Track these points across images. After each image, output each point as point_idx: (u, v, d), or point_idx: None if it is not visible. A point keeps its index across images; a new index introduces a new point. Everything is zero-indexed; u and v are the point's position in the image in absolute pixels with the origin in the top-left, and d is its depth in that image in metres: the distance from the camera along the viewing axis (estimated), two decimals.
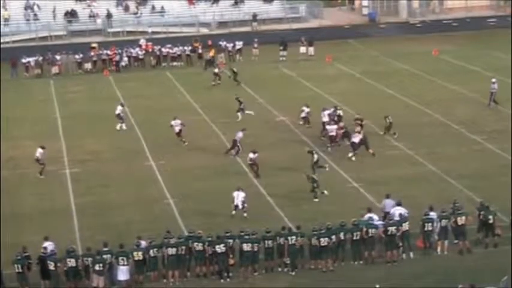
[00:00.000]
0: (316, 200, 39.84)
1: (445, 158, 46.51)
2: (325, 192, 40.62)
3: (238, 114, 55.86)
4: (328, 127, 49.31)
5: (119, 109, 55.57)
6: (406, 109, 57.49)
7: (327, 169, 43.75)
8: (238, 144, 48.64)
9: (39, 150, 46.63)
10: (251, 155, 45.65)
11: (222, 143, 51.40)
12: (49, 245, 33.28)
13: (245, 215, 38.67)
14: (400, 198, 36.74)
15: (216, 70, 67.64)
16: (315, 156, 43.62)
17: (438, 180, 43.38)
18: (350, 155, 47.33)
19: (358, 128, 48.13)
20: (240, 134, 48.90)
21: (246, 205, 39.14)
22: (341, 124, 49.70)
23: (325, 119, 50.69)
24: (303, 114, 53.28)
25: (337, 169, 45.64)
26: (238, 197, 39.74)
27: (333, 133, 48.71)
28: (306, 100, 57.25)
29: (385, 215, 35.88)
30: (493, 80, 57.21)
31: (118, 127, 54.74)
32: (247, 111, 55.85)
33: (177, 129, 51.25)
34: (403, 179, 43.39)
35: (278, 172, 45.54)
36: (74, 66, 74.23)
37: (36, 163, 46.11)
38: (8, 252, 33.47)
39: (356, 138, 47.71)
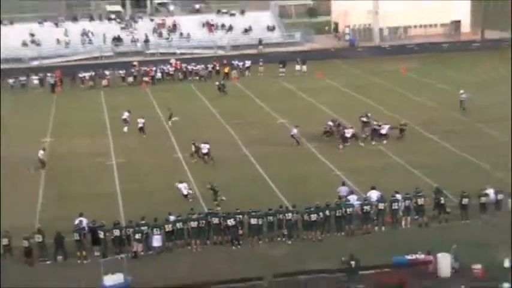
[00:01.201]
0: (219, 208, 36.93)
1: (408, 152, 46.66)
2: (223, 198, 38.49)
3: (169, 121, 56.21)
4: (345, 130, 49.15)
5: (125, 115, 55.75)
6: (378, 114, 56.14)
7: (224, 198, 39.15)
8: (296, 137, 49.21)
9: (41, 151, 46.72)
10: (295, 130, 49.21)
11: (233, 138, 51.95)
12: (83, 220, 33.98)
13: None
14: (374, 184, 37.22)
15: (217, 83, 68.67)
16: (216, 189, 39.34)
17: (403, 170, 43.77)
18: (340, 147, 48.10)
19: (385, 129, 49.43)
20: (294, 130, 49.54)
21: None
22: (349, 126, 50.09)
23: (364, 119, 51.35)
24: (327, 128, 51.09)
25: (324, 160, 45.99)
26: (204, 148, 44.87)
27: (349, 134, 48.76)
28: (300, 107, 58.10)
29: (340, 198, 36.41)
30: (462, 91, 57.65)
31: (125, 129, 54.79)
32: (173, 118, 56.05)
33: (139, 125, 53.27)
34: (375, 169, 43.60)
35: (279, 161, 45.84)
36: (119, 80, 74.52)
37: (39, 163, 46.13)
38: (67, 224, 34.06)
39: (349, 134, 48.63)
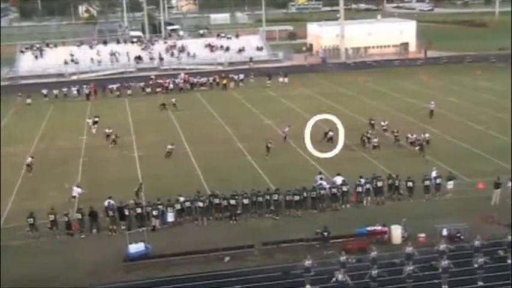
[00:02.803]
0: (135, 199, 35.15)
1: (369, 146, 45.82)
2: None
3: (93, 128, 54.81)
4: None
5: (92, 119, 54.74)
6: (343, 116, 56.34)
7: None
8: (285, 133, 48.77)
9: (29, 159, 43.93)
10: (286, 129, 48.98)
11: (230, 137, 51.31)
12: (111, 201, 33.61)
13: None
14: (340, 171, 37.22)
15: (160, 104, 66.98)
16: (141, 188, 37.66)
17: (365, 160, 43.33)
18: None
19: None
20: (286, 128, 49.07)
21: None
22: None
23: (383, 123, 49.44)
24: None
25: (302, 153, 45.72)
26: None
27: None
28: (282, 110, 57.67)
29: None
30: (432, 102, 55.55)
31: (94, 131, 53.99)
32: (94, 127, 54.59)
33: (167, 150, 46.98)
34: (345, 159, 43.34)
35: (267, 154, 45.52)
36: (140, 90, 73.67)
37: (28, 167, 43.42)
38: (100, 204, 33.80)
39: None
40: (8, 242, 32.00)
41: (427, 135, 45.52)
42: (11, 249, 31.30)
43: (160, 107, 63.66)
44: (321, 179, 37.08)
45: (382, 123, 49.82)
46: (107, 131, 50.78)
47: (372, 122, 51.11)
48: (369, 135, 46.53)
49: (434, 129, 50.74)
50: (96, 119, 55.86)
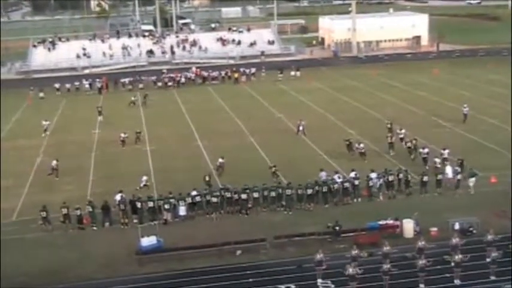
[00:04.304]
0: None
1: (380, 140, 45.14)
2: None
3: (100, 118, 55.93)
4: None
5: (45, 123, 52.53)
6: (355, 109, 57.15)
7: None
8: (303, 127, 48.25)
9: (54, 162, 41.55)
10: (303, 122, 47.98)
11: (242, 130, 51.38)
12: (121, 195, 33.68)
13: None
14: (353, 167, 36.82)
15: (132, 98, 65.50)
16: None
17: (376, 154, 42.93)
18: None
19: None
20: (303, 122, 48.60)
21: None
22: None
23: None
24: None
25: (314, 147, 45.49)
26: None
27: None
28: (293, 103, 57.60)
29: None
30: (465, 105, 51.09)
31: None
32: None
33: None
34: (354, 154, 42.61)
35: (277, 147, 45.40)
36: (151, 83, 73.65)
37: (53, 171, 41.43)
38: (112, 198, 33.86)
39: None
40: (22, 234, 32.28)
41: (426, 150, 40.34)
42: (25, 242, 31.56)
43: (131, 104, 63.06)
44: (322, 170, 36.66)
45: (398, 131, 45.24)
46: (122, 135, 48.11)
47: (388, 125, 47.00)
48: (390, 139, 43.62)
49: (445, 122, 50.52)
50: (100, 109, 56.81)
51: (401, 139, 44.05)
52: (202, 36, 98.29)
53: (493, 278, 26.03)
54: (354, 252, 26.90)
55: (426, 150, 39.79)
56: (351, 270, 25.57)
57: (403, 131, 45.01)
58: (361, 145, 42.47)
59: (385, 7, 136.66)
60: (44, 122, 48.35)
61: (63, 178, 40.92)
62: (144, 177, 38.43)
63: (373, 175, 35.49)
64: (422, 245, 27.15)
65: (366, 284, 25.76)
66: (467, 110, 50.10)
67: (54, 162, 41.53)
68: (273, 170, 38.46)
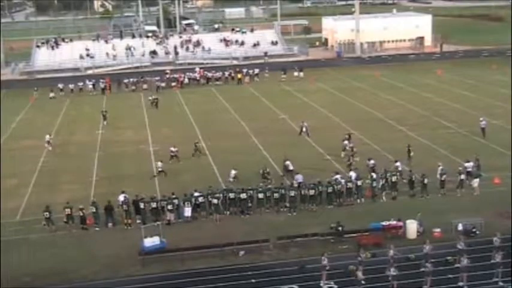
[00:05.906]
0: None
1: (382, 140, 45.92)
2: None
3: (105, 122, 55.63)
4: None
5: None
6: (358, 110, 57.11)
7: None
8: (307, 129, 48.22)
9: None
10: (306, 124, 47.99)
11: (246, 131, 51.32)
12: (124, 195, 33.71)
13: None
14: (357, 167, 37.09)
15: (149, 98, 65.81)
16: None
17: (377, 155, 42.20)
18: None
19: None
20: (306, 124, 48.62)
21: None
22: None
23: None
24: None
25: (318, 147, 45.53)
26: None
27: None
28: (297, 104, 57.32)
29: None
30: (481, 119, 47.55)
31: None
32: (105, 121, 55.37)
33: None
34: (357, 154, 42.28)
35: (281, 148, 44.67)
36: (155, 84, 73.52)
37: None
38: (115, 198, 33.89)
39: None
40: (25, 235, 32.32)
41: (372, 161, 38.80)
42: (29, 242, 31.59)
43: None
44: (337, 173, 36.68)
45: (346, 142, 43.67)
46: (172, 149, 44.25)
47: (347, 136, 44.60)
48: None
49: (448, 123, 50.47)
50: (104, 113, 56.76)
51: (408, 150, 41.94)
52: (206, 36, 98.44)
53: (496, 279, 25.89)
54: (363, 255, 26.68)
55: (372, 162, 38.25)
56: (360, 275, 25.42)
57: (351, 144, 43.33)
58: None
59: (389, 8, 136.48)
60: (47, 136, 48.36)
61: (66, 177, 40.93)
62: (159, 164, 39.69)
63: (374, 175, 35.51)
64: (428, 250, 26.89)
65: (371, 285, 25.71)
66: (484, 124, 46.94)
67: (160, 163, 41.13)
68: (261, 173, 38.11)
